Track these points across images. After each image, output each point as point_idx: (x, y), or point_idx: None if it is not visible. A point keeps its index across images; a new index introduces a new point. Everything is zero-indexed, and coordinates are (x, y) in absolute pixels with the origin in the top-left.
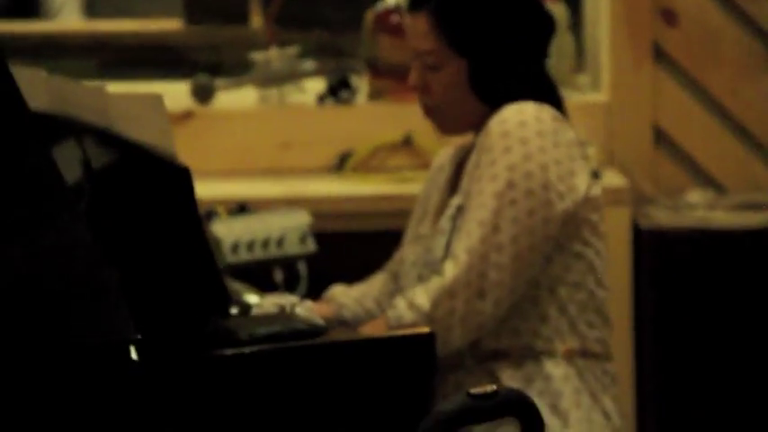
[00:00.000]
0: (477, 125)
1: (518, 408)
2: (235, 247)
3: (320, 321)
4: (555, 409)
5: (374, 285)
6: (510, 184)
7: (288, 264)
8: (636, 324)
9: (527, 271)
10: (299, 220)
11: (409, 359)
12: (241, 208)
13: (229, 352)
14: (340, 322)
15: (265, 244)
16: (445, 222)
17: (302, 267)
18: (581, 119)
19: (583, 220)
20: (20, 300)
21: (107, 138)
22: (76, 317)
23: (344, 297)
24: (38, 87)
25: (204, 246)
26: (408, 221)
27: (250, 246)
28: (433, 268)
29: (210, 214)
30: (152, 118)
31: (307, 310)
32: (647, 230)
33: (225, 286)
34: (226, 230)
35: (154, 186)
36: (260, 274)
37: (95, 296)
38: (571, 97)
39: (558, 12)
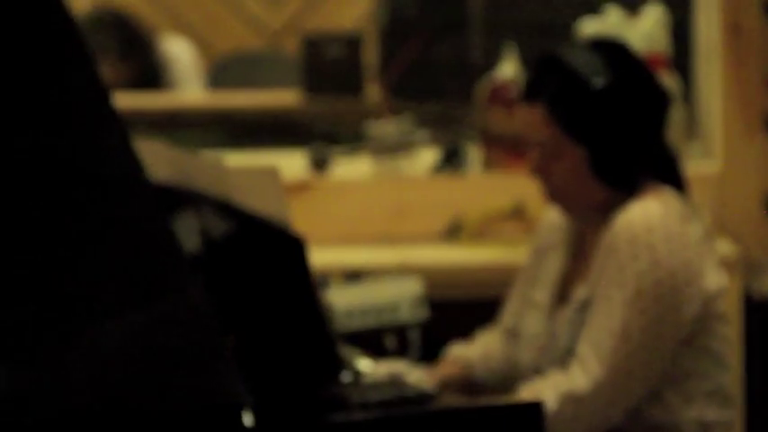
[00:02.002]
0: (603, 206)
1: None
2: (348, 314)
3: (429, 388)
4: None
5: (494, 346)
6: (639, 293)
7: (400, 331)
8: (747, 393)
9: (656, 375)
10: (412, 287)
11: (517, 427)
12: (354, 275)
13: (340, 418)
14: (468, 384)
15: (378, 311)
16: (572, 313)
17: (414, 334)
18: (692, 188)
19: (711, 315)
20: (140, 364)
21: (225, 209)
22: (193, 381)
23: (472, 358)
24: (159, 160)
25: (318, 313)
26: (518, 276)
27: (363, 313)
28: (555, 355)
29: (325, 281)
30: (268, 190)
31: (417, 377)
32: (758, 300)
33: (337, 353)
34: (339, 298)
35: (269, 256)
36: (372, 341)
37: (211, 362)
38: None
39: (670, 81)
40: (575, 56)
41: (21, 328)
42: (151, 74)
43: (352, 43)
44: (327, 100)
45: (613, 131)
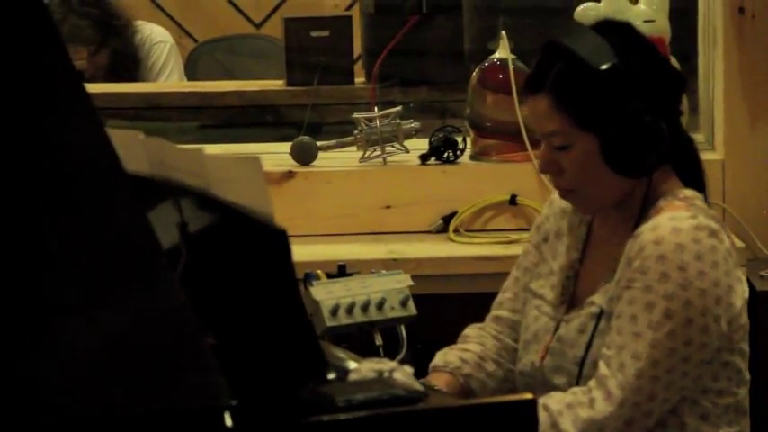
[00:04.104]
0: (623, 200)
1: None
2: (334, 311)
3: (419, 386)
4: None
5: (486, 343)
6: (668, 315)
7: (388, 327)
8: (752, 384)
9: (677, 396)
10: (401, 282)
11: (511, 425)
12: (341, 270)
13: (325, 418)
14: (466, 393)
15: (365, 307)
16: (584, 319)
17: (403, 331)
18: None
19: (734, 330)
20: (113, 363)
21: (204, 200)
22: (170, 382)
23: (466, 366)
24: (136, 150)
25: (300, 310)
26: (518, 263)
27: (349, 309)
28: (562, 361)
29: (309, 277)
30: (250, 180)
31: (405, 375)
32: (762, 292)
33: (321, 351)
34: (325, 294)
35: (250, 249)
36: (359, 338)
37: (189, 361)
38: None
39: None
40: (577, 39)
41: None
42: (130, 61)
43: (340, 24)
44: (313, 89)
45: (624, 116)
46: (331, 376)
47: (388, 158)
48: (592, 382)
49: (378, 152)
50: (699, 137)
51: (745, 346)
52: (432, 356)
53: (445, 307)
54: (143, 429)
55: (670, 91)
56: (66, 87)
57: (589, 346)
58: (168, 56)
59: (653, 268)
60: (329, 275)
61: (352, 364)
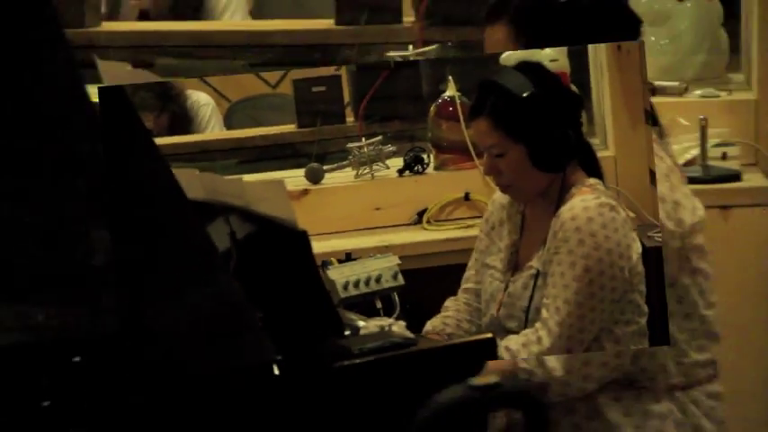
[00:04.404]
0: (546, 190)
1: (521, 400)
2: (345, 286)
3: (411, 335)
4: None
5: (461, 309)
6: (586, 269)
7: (385, 295)
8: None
9: (598, 327)
10: (391, 262)
11: (477, 356)
12: (348, 257)
13: (346, 363)
14: None
15: (367, 282)
16: (526, 279)
17: (395, 297)
18: (728, 117)
19: (633, 275)
20: (192, 337)
21: (246, 215)
22: (233, 345)
23: (448, 328)
24: (193, 182)
25: (321, 288)
26: (475, 247)
27: (356, 284)
28: (513, 311)
29: (326, 263)
30: (277, 198)
31: (400, 327)
32: (650, 248)
33: (338, 315)
34: (338, 274)
35: (282, 247)
36: (365, 305)
37: (245, 329)
38: (721, 95)
39: (714, 8)
40: (504, 76)
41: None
42: (184, 120)
43: (333, 80)
44: (317, 128)
45: (544, 129)
46: (347, 332)
47: (375, 174)
48: (538, 324)
49: (367, 170)
50: (595, 140)
51: (643, 287)
52: (417, 314)
53: (424, 277)
54: (216, 382)
55: (573, 109)
56: (142, 144)
57: (531, 298)
58: (211, 114)
59: (572, 237)
60: (340, 261)
61: (361, 323)
